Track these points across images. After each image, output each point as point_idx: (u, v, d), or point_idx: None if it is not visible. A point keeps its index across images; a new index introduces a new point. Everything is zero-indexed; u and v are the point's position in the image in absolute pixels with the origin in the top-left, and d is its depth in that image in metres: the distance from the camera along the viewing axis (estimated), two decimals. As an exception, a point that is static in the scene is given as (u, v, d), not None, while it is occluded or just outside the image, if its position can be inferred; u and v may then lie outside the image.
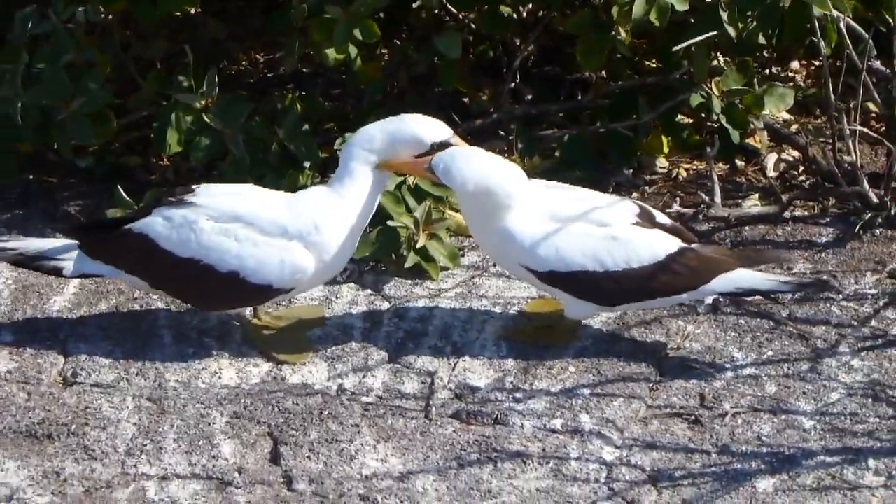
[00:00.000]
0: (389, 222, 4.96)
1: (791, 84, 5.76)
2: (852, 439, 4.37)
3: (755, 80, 5.49)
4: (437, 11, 5.76)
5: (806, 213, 5.34)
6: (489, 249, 4.72)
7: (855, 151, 5.12)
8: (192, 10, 5.63)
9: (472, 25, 5.82)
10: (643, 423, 4.45)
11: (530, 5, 5.71)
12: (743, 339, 4.76)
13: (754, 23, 5.16)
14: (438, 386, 4.58)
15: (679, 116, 5.57)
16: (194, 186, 4.66)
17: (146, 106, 5.53)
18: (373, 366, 4.66)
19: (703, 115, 5.50)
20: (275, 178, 5.15)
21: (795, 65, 6.08)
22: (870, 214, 5.19)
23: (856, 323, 4.82)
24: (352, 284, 5.00)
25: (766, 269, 4.78)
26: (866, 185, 5.16)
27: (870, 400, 4.51)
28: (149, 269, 4.61)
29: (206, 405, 4.49)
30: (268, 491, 4.24)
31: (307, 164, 5.25)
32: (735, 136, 5.44)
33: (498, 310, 4.88)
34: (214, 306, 4.72)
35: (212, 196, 4.60)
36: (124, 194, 5.09)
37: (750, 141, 5.61)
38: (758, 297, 4.82)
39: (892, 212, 5.18)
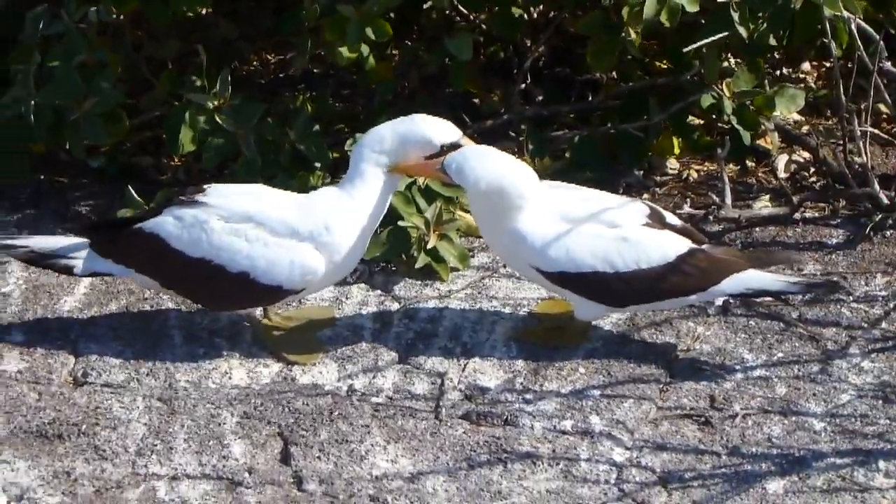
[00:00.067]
0: (400, 223, 4.96)
1: (802, 85, 5.75)
2: (863, 441, 4.37)
3: (766, 81, 5.49)
4: (447, 12, 5.76)
5: (816, 214, 5.33)
6: (499, 250, 4.72)
7: (866, 153, 5.11)
8: (204, 11, 5.63)
9: (483, 26, 5.82)
10: (653, 425, 4.45)
11: (541, 6, 5.72)
12: (753, 340, 4.75)
13: (765, 24, 5.15)
14: (448, 387, 4.58)
15: (690, 117, 5.57)
16: (205, 186, 4.66)
17: (158, 106, 5.54)
18: (383, 366, 4.66)
19: (714, 116, 5.50)
20: (285, 179, 5.14)
21: (806, 66, 6.07)
22: (880, 216, 5.18)
23: (866, 324, 4.81)
24: (362, 285, 5.00)
25: (776, 270, 4.77)
26: (877, 187, 5.15)
27: (880, 402, 4.50)
28: (159, 268, 4.62)
29: (216, 405, 4.49)
30: (278, 491, 4.23)
31: (318, 164, 5.25)
32: (746, 137, 5.44)
33: (508, 311, 4.88)
34: (225, 306, 4.72)
35: (223, 196, 4.60)
36: (135, 195, 5.09)
37: (761, 142, 5.60)
38: (768, 299, 4.83)
39: (903, 213, 5.19)
